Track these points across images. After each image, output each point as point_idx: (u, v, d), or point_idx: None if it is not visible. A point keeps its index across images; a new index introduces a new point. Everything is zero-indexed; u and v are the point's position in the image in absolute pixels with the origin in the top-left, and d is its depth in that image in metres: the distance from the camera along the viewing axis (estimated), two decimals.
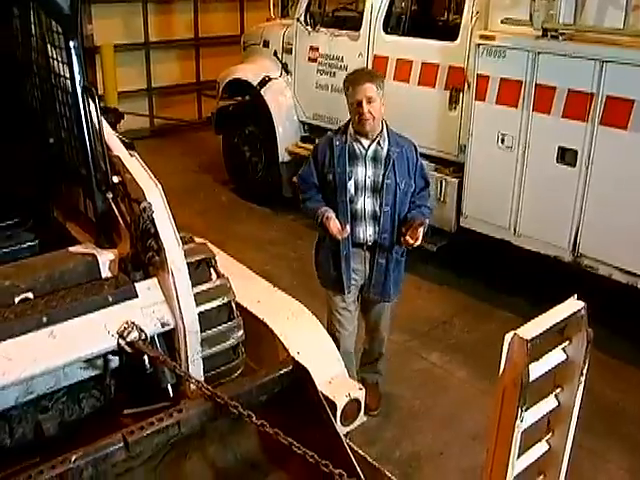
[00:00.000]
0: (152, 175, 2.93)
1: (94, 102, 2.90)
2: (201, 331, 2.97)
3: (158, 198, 2.83)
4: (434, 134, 5.60)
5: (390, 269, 3.70)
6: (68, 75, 2.90)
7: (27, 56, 3.34)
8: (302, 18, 6.60)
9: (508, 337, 1.85)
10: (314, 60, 6.50)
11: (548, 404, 2.12)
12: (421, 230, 3.49)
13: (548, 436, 2.19)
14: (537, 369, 1.94)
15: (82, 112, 2.86)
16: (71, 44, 2.78)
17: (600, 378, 4.21)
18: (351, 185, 3.55)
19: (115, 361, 2.87)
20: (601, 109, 4.35)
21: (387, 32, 5.94)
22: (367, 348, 4.14)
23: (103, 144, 2.92)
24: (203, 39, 10.39)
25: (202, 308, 2.98)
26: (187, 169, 8.57)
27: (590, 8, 4.38)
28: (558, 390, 2.13)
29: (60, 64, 3.02)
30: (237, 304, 3.23)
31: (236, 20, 10.50)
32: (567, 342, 2.07)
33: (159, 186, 2.89)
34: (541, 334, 1.86)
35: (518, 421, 1.87)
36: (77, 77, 2.83)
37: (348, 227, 3.51)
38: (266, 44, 7.20)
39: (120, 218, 2.97)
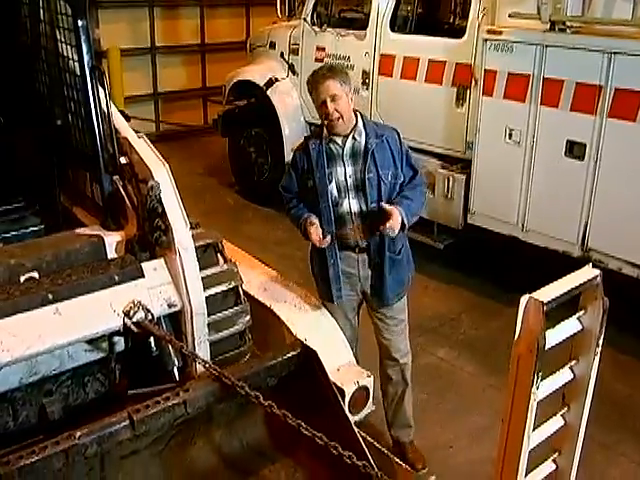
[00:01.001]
0: (160, 156, 2.92)
1: (102, 83, 2.89)
2: (208, 315, 2.95)
3: (166, 177, 2.82)
4: (441, 131, 5.59)
5: (386, 269, 3.42)
6: (76, 57, 2.90)
7: (35, 42, 3.34)
8: (309, 18, 6.62)
9: (523, 301, 1.81)
10: (321, 60, 6.49)
11: (563, 376, 2.08)
12: (393, 220, 3.21)
13: (563, 410, 2.15)
14: (553, 337, 1.90)
15: (90, 92, 2.84)
16: (79, 23, 2.77)
17: (610, 373, 4.17)
18: (333, 187, 3.35)
19: (120, 344, 2.85)
20: (609, 101, 4.33)
21: (394, 31, 5.94)
22: (387, 390, 3.67)
23: (111, 124, 2.91)
24: (209, 45, 10.43)
25: (209, 292, 2.96)
26: (193, 172, 8.56)
27: (597, 0, 4.37)
28: (573, 362, 2.09)
29: (68, 47, 3.02)
30: (244, 291, 3.21)
31: (242, 26, 10.54)
32: (582, 311, 2.03)
33: (167, 166, 2.88)
34: (557, 298, 1.82)
35: (534, 388, 1.83)
36: (85, 57, 2.82)
37: (329, 238, 3.34)
38: (272, 45, 7.22)
39: (127, 200, 2.95)
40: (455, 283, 5.69)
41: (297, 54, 6.89)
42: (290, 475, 2.88)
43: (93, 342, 2.77)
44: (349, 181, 3.35)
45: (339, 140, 3.35)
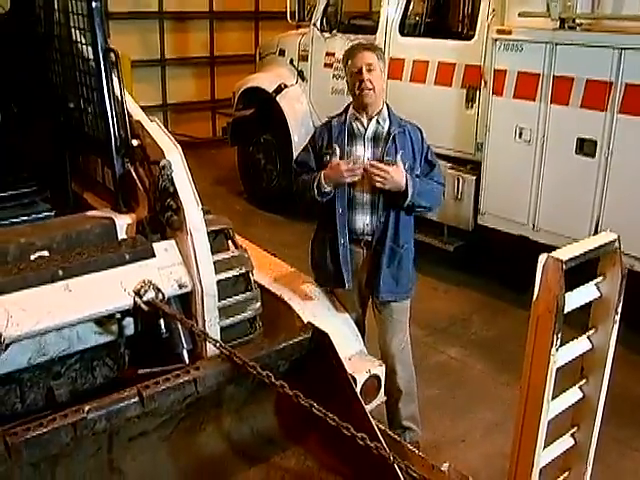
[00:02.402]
0: (172, 138, 2.91)
1: (115, 66, 2.89)
2: (218, 300, 2.92)
3: (177, 157, 2.82)
4: (451, 133, 5.59)
5: (383, 260, 3.35)
6: (90, 40, 2.91)
7: (49, 31, 3.36)
8: (318, 24, 6.67)
9: (542, 260, 1.79)
10: (330, 65, 6.54)
11: (582, 345, 2.04)
12: (392, 171, 3.16)
13: (582, 382, 2.11)
14: (571, 300, 1.87)
15: (103, 74, 2.85)
16: (93, 4, 2.78)
17: (623, 372, 4.09)
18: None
19: (130, 328, 2.82)
20: (620, 97, 4.33)
21: (403, 35, 5.97)
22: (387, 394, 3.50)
23: (124, 107, 2.91)
24: (218, 57, 10.52)
25: (219, 277, 2.93)
26: (201, 182, 8.44)
27: None
28: (592, 331, 2.05)
29: (81, 33, 3.04)
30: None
31: (251, 39, 10.63)
32: (601, 278, 2.00)
33: (179, 147, 2.87)
34: (576, 257, 1.79)
35: (553, 349, 1.80)
36: (99, 39, 2.84)
37: (360, 161, 3.25)
38: (282, 53, 7.27)
39: (138, 182, 2.95)
40: (465, 285, 5.66)
41: (306, 60, 6.93)
42: (301, 463, 2.83)
43: (102, 324, 2.74)
44: (367, 163, 3.29)
45: (364, 120, 3.35)
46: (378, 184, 3.21)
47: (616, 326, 2.02)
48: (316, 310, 3.38)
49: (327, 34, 6.61)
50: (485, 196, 5.29)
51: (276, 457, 2.81)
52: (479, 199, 5.34)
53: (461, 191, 5.44)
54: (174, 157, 2.79)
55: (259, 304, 3.14)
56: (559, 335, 1.80)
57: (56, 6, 3.26)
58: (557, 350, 1.81)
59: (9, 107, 3.52)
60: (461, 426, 3.85)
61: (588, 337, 2.05)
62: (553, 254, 1.78)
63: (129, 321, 2.79)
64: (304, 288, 3.53)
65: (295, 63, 7.05)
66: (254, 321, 3.15)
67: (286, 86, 7.05)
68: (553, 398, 1.96)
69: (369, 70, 3.24)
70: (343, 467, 2.70)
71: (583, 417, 2.15)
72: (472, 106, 5.41)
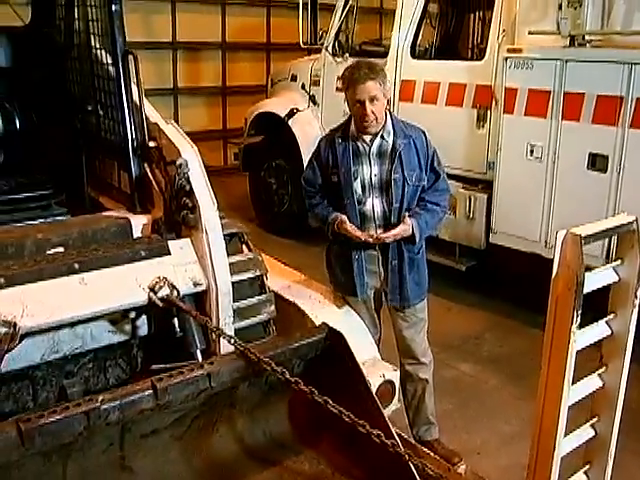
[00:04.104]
0: (189, 139, 2.95)
1: (135, 68, 2.95)
2: (233, 301, 2.92)
3: (194, 157, 2.85)
4: (462, 153, 5.61)
5: (405, 269, 3.38)
6: (109, 45, 2.98)
7: (68, 39, 3.44)
8: (330, 48, 6.77)
9: (560, 235, 1.78)
10: (342, 90, 6.58)
11: (601, 329, 2.02)
12: (397, 230, 3.27)
13: (601, 370, 2.08)
14: (589, 282, 1.85)
15: (122, 76, 2.91)
16: (113, 8, 2.85)
17: (637, 388, 4.05)
18: (357, 185, 3.31)
19: (143, 328, 2.82)
20: (631, 112, 4.35)
21: (414, 57, 6.05)
22: (407, 389, 3.59)
23: (142, 109, 2.96)
24: (230, 87, 10.66)
25: (234, 278, 2.94)
26: None
27: (616, 14, 4.45)
28: (611, 316, 2.03)
29: (100, 38, 3.11)
30: None
31: (262, 70, 10.77)
32: (619, 261, 1.99)
33: (195, 147, 2.90)
34: (594, 234, 1.79)
35: (574, 327, 1.78)
36: (118, 41, 2.90)
37: (372, 231, 3.32)
38: (294, 78, 7.37)
39: (154, 183, 2.98)
40: (477, 305, 5.61)
41: (318, 85, 7.01)
42: (314, 466, 2.80)
43: (116, 323, 2.75)
44: (374, 180, 3.32)
45: (367, 138, 3.30)
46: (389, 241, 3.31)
47: (635, 310, 1.99)
48: (329, 315, 3.36)
49: (339, 58, 6.70)
50: (497, 214, 5.29)
51: (289, 461, 2.78)
52: (491, 217, 5.35)
53: (473, 210, 5.44)
54: (190, 156, 2.82)
55: (273, 307, 3.14)
56: (579, 312, 1.78)
57: (76, 15, 3.34)
58: (578, 328, 1.79)
59: (29, 115, 3.58)
60: (476, 438, 3.79)
61: (607, 322, 2.03)
62: (571, 230, 1.77)
63: (143, 321, 2.80)
64: (317, 294, 3.53)
65: (307, 88, 7.14)
66: (268, 324, 3.14)
67: (298, 110, 7.13)
68: (573, 382, 1.93)
69: (372, 101, 3.16)
70: (357, 470, 2.66)
71: (603, 407, 2.11)
72: (483, 126, 5.45)
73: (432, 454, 2.84)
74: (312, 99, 7.08)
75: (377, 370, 3.19)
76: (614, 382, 2.07)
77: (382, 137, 3.30)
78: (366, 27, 8.42)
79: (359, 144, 3.32)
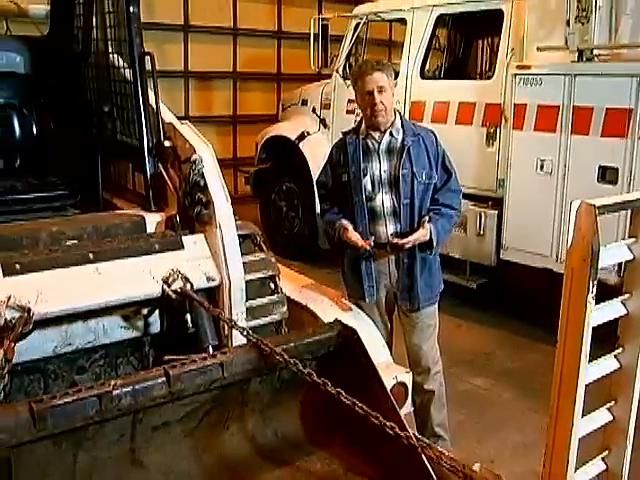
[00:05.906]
0: (203, 137, 2.99)
1: (152, 69, 3.01)
2: (245, 300, 2.92)
3: (208, 154, 2.87)
4: (472, 172, 5.63)
5: (416, 269, 3.38)
6: (126, 49, 3.04)
7: (86, 47, 3.50)
8: (340, 70, 6.88)
9: (575, 206, 1.78)
10: (352, 112, 6.67)
11: (615, 308, 2.00)
12: (416, 236, 3.31)
13: (618, 351, 2.06)
14: (605, 257, 1.84)
15: (139, 77, 2.96)
16: (131, 9, 2.92)
17: None
18: (367, 181, 3.35)
19: (156, 325, 2.82)
20: None
21: (424, 78, 6.13)
22: (415, 399, 3.47)
23: (158, 110, 3.00)
24: (241, 116, 10.80)
25: (247, 277, 2.94)
26: None
27: (623, 28, 4.51)
28: (626, 296, 2.02)
29: (117, 43, 3.18)
30: None
31: (273, 99, 10.89)
32: (633, 239, 1.99)
33: (209, 145, 2.93)
34: (609, 205, 1.79)
35: (590, 296, 1.76)
36: (135, 43, 2.96)
37: (372, 239, 3.35)
38: (304, 102, 7.47)
39: (169, 182, 3.00)
40: (488, 322, 5.59)
41: (328, 108, 7.10)
42: (326, 466, 2.76)
43: (129, 319, 2.75)
44: (384, 176, 3.37)
45: (376, 135, 3.38)
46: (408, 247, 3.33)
47: None
48: (341, 318, 3.35)
49: (349, 81, 6.78)
50: (507, 230, 5.29)
51: (301, 460, 2.74)
52: (501, 234, 5.35)
53: (483, 227, 5.45)
54: (205, 154, 2.85)
55: (285, 308, 3.14)
56: (595, 283, 1.77)
57: (94, 22, 3.42)
58: (594, 299, 1.78)
59: (45, 120, 3.64)
60: (489, 447, 3.75)
61: (622, 302, 2.02)
62: (586, 201, 1.78)
63: (155, 317, 2.80)
64: (329, 298, 3.52)
65: (318, 111, 7.23)
66: (280, 325, 3.14)
67: (309, 133, 7.21)
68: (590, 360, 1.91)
69: (380, 91, 3.27)
70: (370, 470, 2.61)
71: (620, 390, 2.08)
72: (493, 144, 5.49)
73: (447, 453, 2.80)
74: (323, 122, 7.17)
75: (390, 372, 3.15)
76: (632, 362, 2.05)
77: (391, 134, 3.38)
78: (375, 56, 8.55)
79: (369, 141, 3.39)
